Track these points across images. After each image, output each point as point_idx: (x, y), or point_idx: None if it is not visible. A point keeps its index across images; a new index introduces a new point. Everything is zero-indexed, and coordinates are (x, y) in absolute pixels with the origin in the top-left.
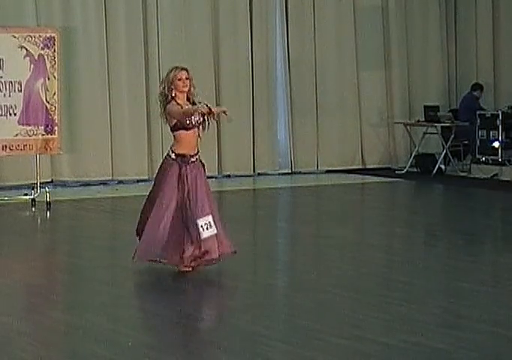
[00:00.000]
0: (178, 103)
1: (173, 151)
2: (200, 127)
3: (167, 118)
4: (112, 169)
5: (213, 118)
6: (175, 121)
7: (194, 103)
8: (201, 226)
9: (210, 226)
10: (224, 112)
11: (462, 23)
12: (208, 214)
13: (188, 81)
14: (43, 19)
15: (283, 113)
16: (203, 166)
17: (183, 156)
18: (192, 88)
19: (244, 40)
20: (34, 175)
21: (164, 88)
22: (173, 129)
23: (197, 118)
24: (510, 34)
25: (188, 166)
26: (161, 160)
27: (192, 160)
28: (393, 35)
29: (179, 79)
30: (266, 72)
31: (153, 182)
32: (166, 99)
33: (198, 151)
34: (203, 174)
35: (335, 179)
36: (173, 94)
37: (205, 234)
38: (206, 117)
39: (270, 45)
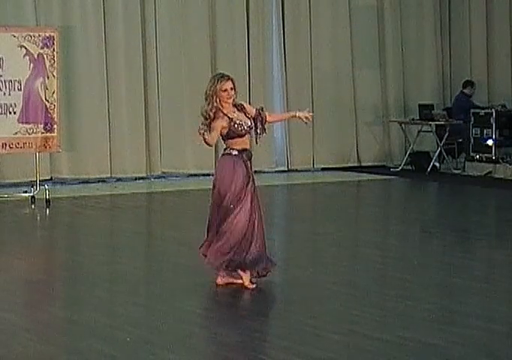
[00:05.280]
0: (224, 114)
1: (232, 149)
2: (255, 131)
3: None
4: (111, 166)
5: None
6: (226, 130)
7: (241, 109)
8: None
9: None
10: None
11: (455, 22)
12: None
13: (232, 91)
14: (42, 19)
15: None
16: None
17: (245, 150)
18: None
19: (241, 38)
20: (34, 172)
21: (209, 103)
22: (227, 138)
23: (249, 124)
24: (504, 33)
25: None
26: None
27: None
28: (388, 34)
29: (224, 90)
30: (262, 71)
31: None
32: (214, 113)
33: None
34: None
35: (331, 177)
36: (219, 106)
37: None
38: (259, 123)
39: (267, 44)
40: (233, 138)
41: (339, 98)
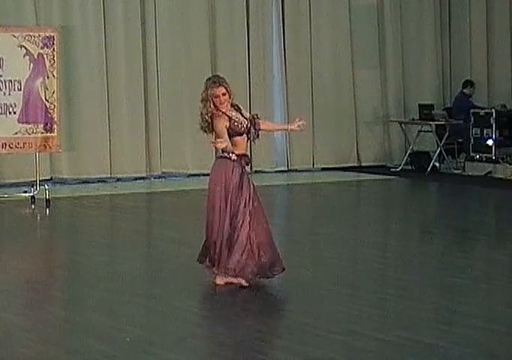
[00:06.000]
0: (223, 113)
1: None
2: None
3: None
4: (111, 166)
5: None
6: (227, 129)
7: (237, 109)
8: None
9: None
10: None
11: (456, 22)
12: None
13: (225, 96)
14: (42, 19)
15: (279, 111)
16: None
17: (244, 155)
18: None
19: (241, 38)
20: (34, 172)
21: (204, 106)
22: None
23: (247, 123)
24: (504, 34)
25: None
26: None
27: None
28: (388, 34)
29: (216, 96)
30: (262, 71)
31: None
32: (210, 117)
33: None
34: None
35: (331, 177)
36: (214, 110)
37: None
38: (252, 127)
39: (267, 44)
40: (233, 136)
41: (339, 98)
